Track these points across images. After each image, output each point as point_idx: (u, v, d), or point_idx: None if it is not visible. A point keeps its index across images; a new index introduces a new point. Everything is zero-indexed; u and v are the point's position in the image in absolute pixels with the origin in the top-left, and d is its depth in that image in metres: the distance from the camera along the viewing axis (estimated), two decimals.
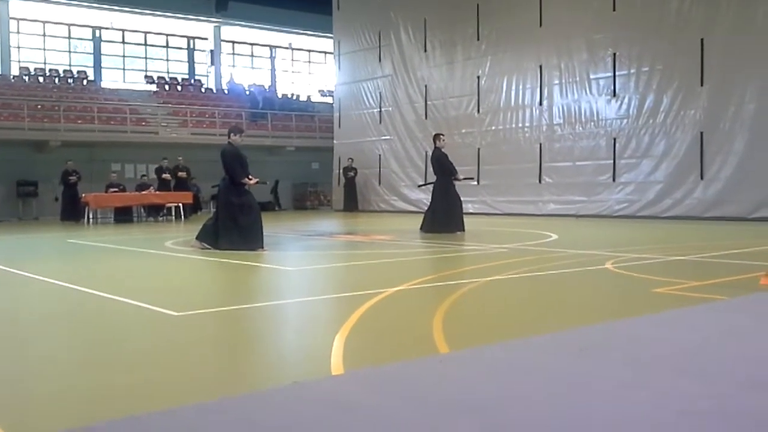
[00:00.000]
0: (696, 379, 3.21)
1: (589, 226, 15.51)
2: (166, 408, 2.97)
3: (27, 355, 4.23)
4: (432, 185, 14.19)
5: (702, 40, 16.48)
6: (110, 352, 4.27)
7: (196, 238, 10.63)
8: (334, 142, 27.14)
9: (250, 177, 10.40)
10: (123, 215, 20.56)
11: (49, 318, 5.54)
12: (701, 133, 16.57)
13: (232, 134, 10.71)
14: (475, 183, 19.08)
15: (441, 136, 14.06)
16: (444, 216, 13.39)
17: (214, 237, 10.34)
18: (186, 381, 3.55)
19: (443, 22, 22.61)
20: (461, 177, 14.04)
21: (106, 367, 3.87)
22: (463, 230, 13.32)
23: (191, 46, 32.36)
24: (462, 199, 13.98)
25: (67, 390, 3.45)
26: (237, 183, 10.33)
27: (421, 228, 13.62)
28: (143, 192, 21.16)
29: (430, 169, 21.99)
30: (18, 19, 28.06)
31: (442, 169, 13.69)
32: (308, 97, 33.17)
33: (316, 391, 3.13)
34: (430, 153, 22.39)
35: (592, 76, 18.82)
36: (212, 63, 32.32)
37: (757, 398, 2.89)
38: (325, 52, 33.76)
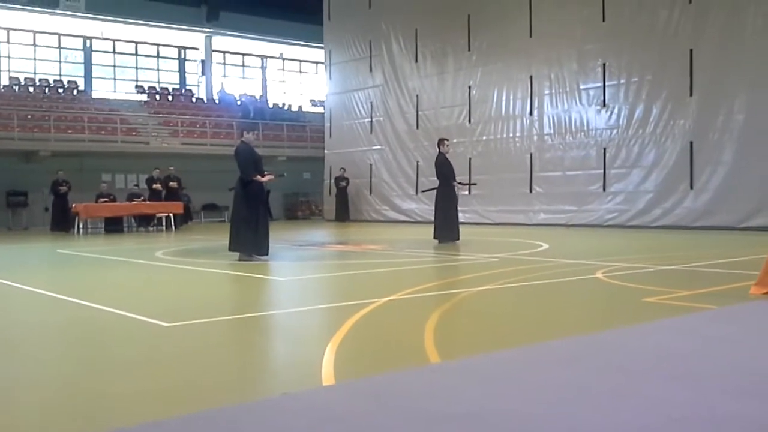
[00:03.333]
0: (686, 387, 3.22)
1: (579, 235, 15.55)
2: (155, 419, 2.96)
3: (16, 366, 4.19)
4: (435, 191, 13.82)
5: (691, 50, 16.59)
6: (99, 363, 4.25)
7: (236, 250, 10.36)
8: (326, 152, 27.15)
9: (265, 174, 10.25)
10: (113, 225, 20.46)
11: (37, 329, 5.50)
12: (691, 143, 16.66)
13: (245, 132, 10.65)
14: (466, 193, 19.04)
15: (445, 141, 13.70)
16: (444, 223, 13.26)
17: (251, 245, 10.21)
18: (175, 392, 3.53)
19: (434, 33, 22.69)
20: (457, 182, 13.69)
21: (95, 378, 3.85)
22: (458, 239, 13.27)
23: (182, 56, 32.35)
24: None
25: (54, 401, 3.43)
26: (247, 181, 10.10)
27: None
28: (134, 202, 21.10)
29: (422, 178, 22.34)
30: (8, 29, 28.00)
31: (443, 173, 13.39)
32: (299, 107, 33.20)
33: (307, 402, 3.13)
34: (421, 163, 22.66)
35: (582, 87, 18.91)
36: (203, 73, 32.31)
37: (745, 406, 2.90)
38: (316, 62, 33.81)
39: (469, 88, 21.69)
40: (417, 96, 23.38)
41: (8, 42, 28.15)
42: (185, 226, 22.04)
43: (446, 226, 13.22)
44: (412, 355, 4.21)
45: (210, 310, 6.00)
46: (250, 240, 10.13)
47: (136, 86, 30.26)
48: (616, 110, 18.20)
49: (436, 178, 13.75)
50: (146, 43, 31.29)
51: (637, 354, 3.92)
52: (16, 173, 23.12)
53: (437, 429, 2.71)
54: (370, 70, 25.15)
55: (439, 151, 13.49)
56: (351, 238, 16.53)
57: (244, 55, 33.86)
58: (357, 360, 4.24)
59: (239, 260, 10.08)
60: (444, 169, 13.36)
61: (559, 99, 19.42)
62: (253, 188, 10.13)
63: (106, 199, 21.06)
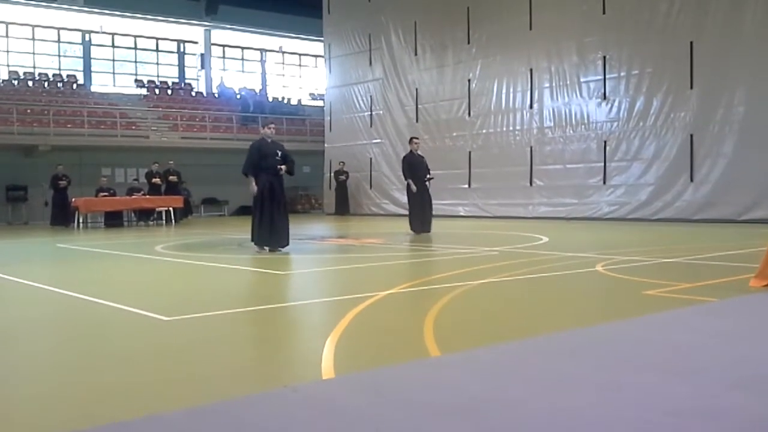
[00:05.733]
0: (685, 380, 3.22)
1: (579, 228, 15.54)
2: (155, 413, 2.96)
3: (14, 359, 4.20)
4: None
5: (691, 43, 16.56)
6: (98, 356, 4.25)
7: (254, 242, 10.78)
8: (325, 145, 27.12)
9: (280, 168, 10.73)
10: (113, 220, 20.46)
11: (36, 322, 5.50)
12: (691, 136, 16.64)
13: (262, 127, 11.48)
14: (466, 186, 19.01)
15: (414, 140, 15.26)
16: (412, 215, 14.57)
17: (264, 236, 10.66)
18: (175, 385, 3.53)
19: (434, 26, 22.63)
20: (409, 181, 14.48)
21: (94, 372, 3.84)
22: (424, 232, 14.17)
23: (181, 50, 32.28)
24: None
25: (53, 393, 3.43)
26: (243, 173, 10.82)
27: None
28: (133, 196, 21.09)
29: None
30: (7, 23, 27.94)
31: (403, 171, 14.79)
32: (299, 100, 33.14)
33: (307, 395, 3.13)
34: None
35: (582, 79, 18.88)
36: (202, 67, 32.26)
37: (745, 399, 2.90)
38: (316, 56, 33.74)
39: (469, 81, 21.65)
40: (416, 89, 23.34)
41: (7, 36, 28.08)
42: (185, 221, 22.04)
43: (411, 218, 14.53)
44: (412, 348, 4.21)
45: (209, 304, 5.99)
46: (274, 230, 10.64)
47: (136, 80, 30.20)
48: (616, 103, 18.18)
49: (422, 173, 14.74)
50: (145, 36, 31.22)
51: (636, 347, 3.92)
52: (15, 168, 23.10)
53: (437, 421, 2.71)
54: (370, 64, 25.10)
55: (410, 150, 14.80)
56: (351, 232, 16.53)
57: (243, 48, 33.80)
58: (357, 353, 4.24)
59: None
60: (402, 166, 14.81)
61: (560, 92, 19.39)
62: (260, 182, 10.60)
63: (105, 194, 21.05)
